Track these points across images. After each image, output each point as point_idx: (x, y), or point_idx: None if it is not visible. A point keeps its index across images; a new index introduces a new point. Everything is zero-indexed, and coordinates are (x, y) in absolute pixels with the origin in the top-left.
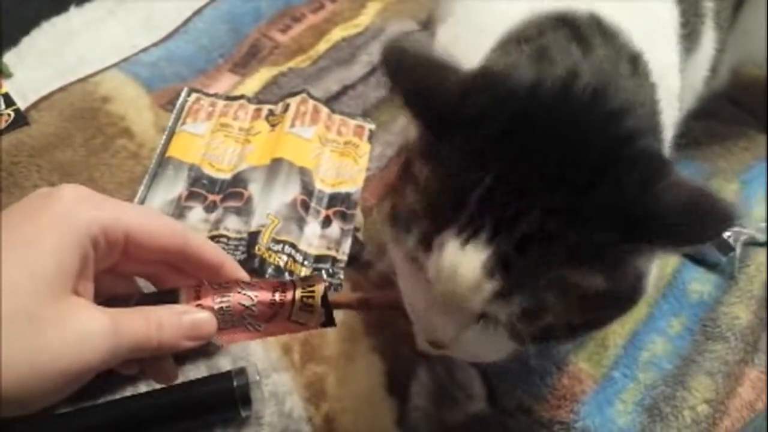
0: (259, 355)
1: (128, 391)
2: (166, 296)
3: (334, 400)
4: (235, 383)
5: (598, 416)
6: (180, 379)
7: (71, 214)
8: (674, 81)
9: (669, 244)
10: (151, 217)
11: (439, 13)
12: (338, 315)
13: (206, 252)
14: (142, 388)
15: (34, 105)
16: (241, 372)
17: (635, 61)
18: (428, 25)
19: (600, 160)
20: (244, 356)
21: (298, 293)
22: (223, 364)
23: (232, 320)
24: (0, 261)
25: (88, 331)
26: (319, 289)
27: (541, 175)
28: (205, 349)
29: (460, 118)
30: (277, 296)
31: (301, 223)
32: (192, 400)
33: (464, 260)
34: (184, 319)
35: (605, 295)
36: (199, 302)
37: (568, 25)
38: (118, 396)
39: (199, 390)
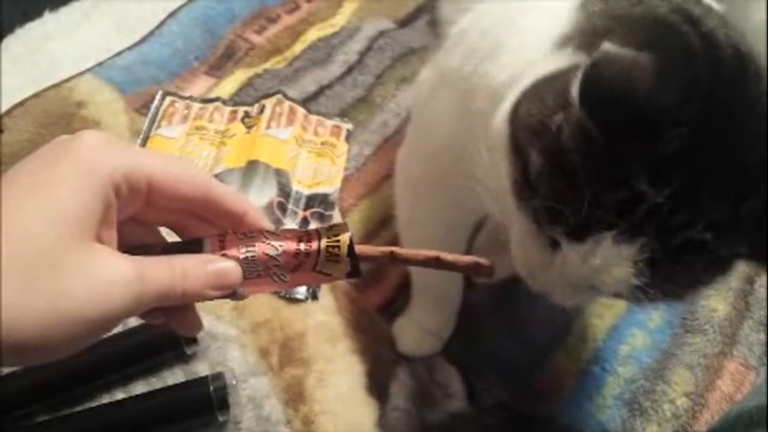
0: (236, 360)
1: (105, 399)
2: (191, 246)
3: (313, 402)
4: (211, 388)
5: (578, 411)
6: (158, 385)
7: (93, 160)
8: None
9: None
10: (173, 164)
11: (445, 13)
12: (319, 314)
13: (229, 199)
14: (119, 395)
15: (8, 112)
16: (218, 377)
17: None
18: (432, 24)
19: (755, 174)
20: (221, 361)
21: (324, 243)
22: (201, 369)
23: (257, 270)
24: (19, 207)
25: (112, 278)
26: (345, 238)
27: (711, 186)
28: (231, 299)
29: (644, 124)
30: (302, 246)
31: (278, 224)
32: (169, 405)
33: (618, 258)
34: (209, 267)
35: (707, 284)
36: (223, 252)
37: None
38: (95, 404)
39: (177, 395)
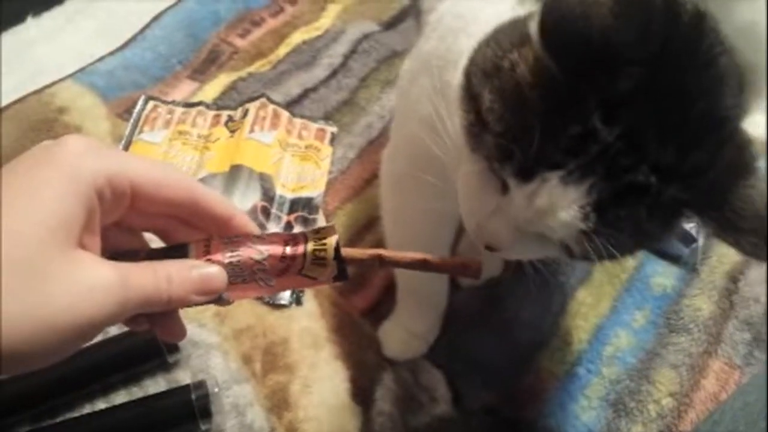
0: (219, 367)
1: (86, 409)
2: (175, 251)
3: (297, 409)
4: (193, 396)
5: (562, 413)
6: (139, 395)
7: (76, 164)
8: None
9: (724, 237)
10: (157, 168)
11: (426, 3)
12: (303, 320)
13: (214, 204)
14: (100, 405)
15: None
16: (200, 385)
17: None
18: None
19: (708, 124)
20: (203, 369)
21: (310, 246)
22: (183, 377)
23: (242, 275)
24: (1, 211)
25: (94, 284)
26: (331, 241)
27: (660, 130)
28: (217, 305)
29: (600, 60)
30: (289, 250)
31: (262, 229)
32: (151, 415)
33: (564, 200)
34: (193, 273)
35: (655, 237)
36: (208, 257)
37: None
38: (77, 414)
39: (158, 404)
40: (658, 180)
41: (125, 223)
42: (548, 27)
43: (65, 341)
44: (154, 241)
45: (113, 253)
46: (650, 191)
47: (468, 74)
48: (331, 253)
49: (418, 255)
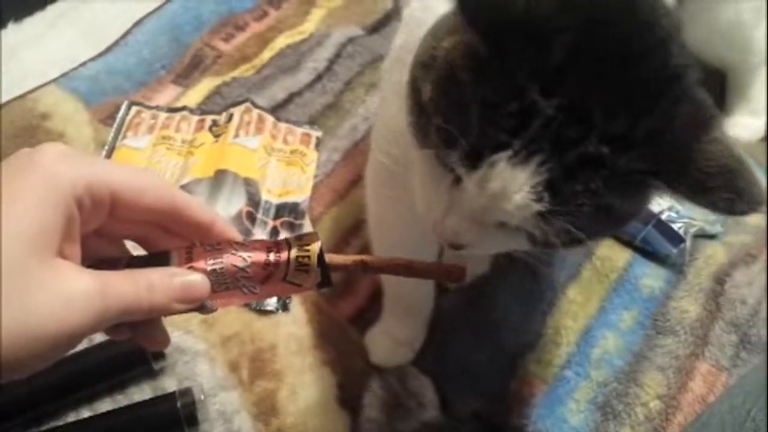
0: (205, 374)
1: (71, 417)
2: (157, 259)
3: (284, 415)
4: (179, 404)
5: (550, 417)
6: (124, 402)
7: (54, 172)
8: None
9: (696, 200)
10: (137, 175)
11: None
12: (290, 326)
13: (195, 210)
14: (85, 413)
15: None
16: (186, 392)
17: None
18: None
19: (652, 89)
20: (190, 376)
21: (293, 253)
22: (168, 384)
23: (225, 283)
24: None
25: (74, 293)
26: (315, 248)
27: (603, 98)
28: (200, 313)
29: (526, 32)
30: (272, 256)
31: (247, 235)
32: (136, 423)
33: (515, 182)
34: (175, 281)
35: (625, 216)
36: (191, 264)
37: None
38: (61, 422)
39: (144, 412)
40: (610, 150)
41: (105, 231)
42: (468, 5)
43: (45, 351)
44: (136, 250)
45: (94, 261)
46: (604, 162)
47: (412, 69)
48: (314, 259)
49: (401, 261)
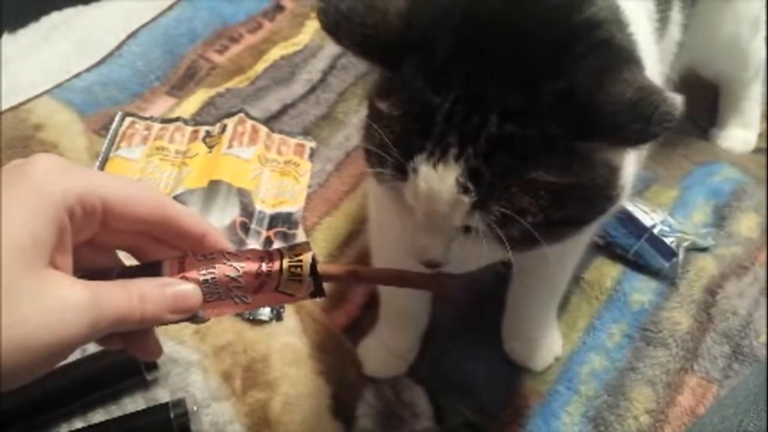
0: (198, 385)
1: (63, 428)
2: (149, 269)
3: (278, 426)
4: (172, 414)
5: (545, 429)
6: (117, 413)
7: (45, 183)
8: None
9: (614, 142)
10: (129, 185)
11: None
12: (284, 336)
13: (187, 220)
14: (78, 424)
15: None
16: (179, 403)
17: None
18: None
19: (552, 53)
20: (183, 386)
21: (286, 263)
22: (162, 395)
23: (218, 292)
24: None
25: (66, 304)
26: (307, 258)
27: (495, 79)
28: (192, 323)
29: (409, 43)
30: (264, 266)
31: (241, 245)
32: None
33: (438, 180)
34: (167, 291)
35: (576, 188)
36: (183, 274)
37: None
38: None
39: (137, 423)
40: (516, 125)
41: (97, 242)
42: (349, 37)
43: (37, 362)
44: (129, 260)
45: (86, 272)
46: (513, 140)
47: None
48: (307, 269)
49: (394, 271)
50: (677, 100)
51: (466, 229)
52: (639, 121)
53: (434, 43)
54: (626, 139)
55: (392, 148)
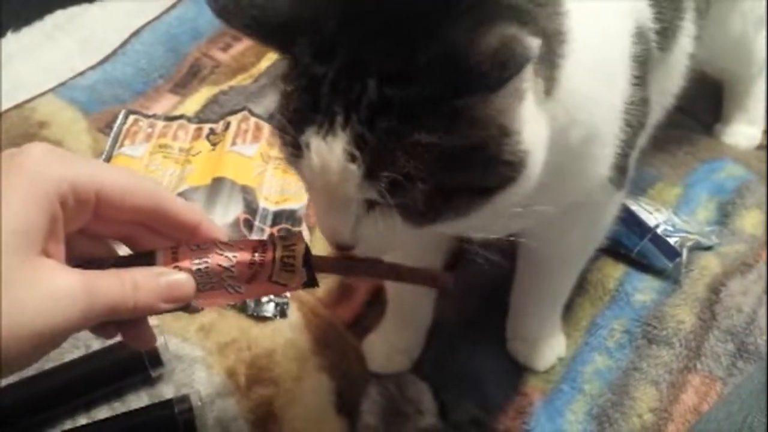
0: (203, 381)
1: (67, 425)
2: (142, 258)
3: (282, 422)
4: (176, 410)
5: (549, 427)
6: (121, 410)
7: (38, 171)
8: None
9: (491, 87)
10: (123, 175)
11: None
12: (287, 332)
13: (181, 210)
14: (82, 420)
15: None
16: (184, 399)
17: None
18: None
19: (430, 13)
20: (187, 383)
21: (279, 253)
22: (166, 392)
23: (211, 282)
24: None
25: (58, 292)
26: (300, 248)
27: (375, 45)
28: (186, 312)
29: (299, 23)
30: (257, 256)
31: None
32: (134, 430)
33: (328, 152)
34: (160, 280)
35: (466, 152)
36: (176, 264)
37: None
38: (58, 430)
39: (141, 419)
40: (396, 88)
41: (91, 231)
42: (241, 20)
43: (31, 348)
44: (123, 251)
45: (80, 261)
46: (393, 103)
47: None
48: (299, 260)
49: (387, 264)
50: (534, 42)
51: (371, 206)
52: (498, 68)
53: (323, 20)
54: (489, 88)
55: (288, 125)
